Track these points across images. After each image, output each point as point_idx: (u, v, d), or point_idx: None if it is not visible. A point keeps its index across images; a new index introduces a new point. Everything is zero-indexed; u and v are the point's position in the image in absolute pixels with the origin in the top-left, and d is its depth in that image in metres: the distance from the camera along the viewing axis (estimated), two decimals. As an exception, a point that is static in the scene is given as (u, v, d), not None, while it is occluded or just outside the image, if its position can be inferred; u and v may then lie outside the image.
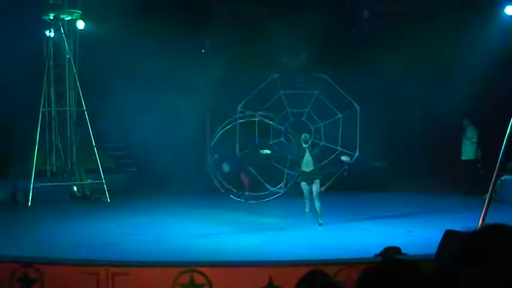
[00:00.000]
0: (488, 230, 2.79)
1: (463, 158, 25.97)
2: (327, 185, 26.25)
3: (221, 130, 25.34)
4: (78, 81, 24.04)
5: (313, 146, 21.62)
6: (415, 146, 26.71)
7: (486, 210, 17.02)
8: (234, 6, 26.45)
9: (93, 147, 24.03)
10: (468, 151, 25.74)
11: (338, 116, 26.93)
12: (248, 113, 26.48)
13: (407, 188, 26.11)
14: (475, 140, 25.55)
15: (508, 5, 23.15)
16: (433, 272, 3.49)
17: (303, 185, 20.46)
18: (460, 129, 25.85)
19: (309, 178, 20.28)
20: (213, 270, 14.27)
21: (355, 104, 26.53)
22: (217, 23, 26.83)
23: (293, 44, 27.53)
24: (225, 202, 23.87)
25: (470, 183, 25.26)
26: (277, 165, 26.53)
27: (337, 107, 26.89)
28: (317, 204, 19.69)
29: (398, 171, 27.29)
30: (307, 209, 20.14)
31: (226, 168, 26.58)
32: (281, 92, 27.00)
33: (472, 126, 25.74)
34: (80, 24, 24.47)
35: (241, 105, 26.95)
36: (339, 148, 26.77)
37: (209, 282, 13.90)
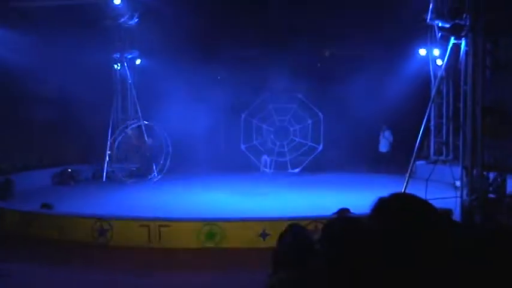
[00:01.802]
0: (395, 196, 2.59)
1: (381, 150, 26.05)
2: (301, 167, 26.71)
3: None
4: (136, 99, 24.15)
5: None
6: (358, 141, 26.58)
7: (407, 183, 17.36)
8: (237, 51, 26.45)
9: (145, 140, 24.11)
10: (385, 146, 25.87)
11: (308, 122, 27.25)
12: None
13: (353, 169, 26.17)
14: (391, 139, 25.72)
15: (420, 48, 23.15)
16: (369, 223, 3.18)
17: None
18: (380, 131, 26.06)
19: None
20: (225, 223, 14.63)
21: (320, 114, 26.86)
22: (227, 60, 26.96)
23: (278, 73, 27.60)
24: (235, 179, 23.90)
25: (385, 166, 25.36)
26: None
27: (308, 116, 27.22)
28: None
29: (348, 158, 27.28)
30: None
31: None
32: (270, 105, 27.30)
33: (389, 131, 25.85)
34: (137, 61, 24.54)
35: (244, 114, 27.33)
36: (308, 143, 27.17)
37: (223, 231, 14.27)
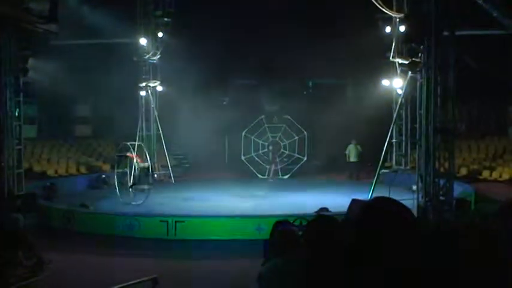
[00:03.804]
0: (377, 199, 2.51)
1: (352, 160, 25.86)
2: (289, 174, 26.73)
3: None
4: (157, 118, 24.17)
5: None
6: (337, 154, 26.62)
7: (373, 188, 17.41)
8: (239, 80, 26.52)
9: (165, 152, 24.07)
10: (355, 157, 25.78)
11: (295, 138, 27.33)
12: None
13: (331, 176, 26.18)
14: (359, 151, 25.63)
15: (384, 79, 23.13)
16: (344, 223, 3.34)
17: None
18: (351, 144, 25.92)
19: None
20: (227, 219, 14.70)
21: (305, 132, 26.95)
22: (231, 88, 27.12)
23: (271, 99, 27.73)
24: (236, 183, 23.77)
25: (356, 174, 25.30)
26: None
27: (294, 133, 27.32)
28: None
29: (327, 167, 27.30)
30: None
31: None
32: (265, 125, 27.42)
33: (358, 144, 25.72)
34: (159, 88, 24.59)
35: (244, 131, 27.39)
36: (295, 155, 27.22)
37: (225, 226, 14.35)
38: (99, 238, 14.34)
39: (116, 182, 19.82)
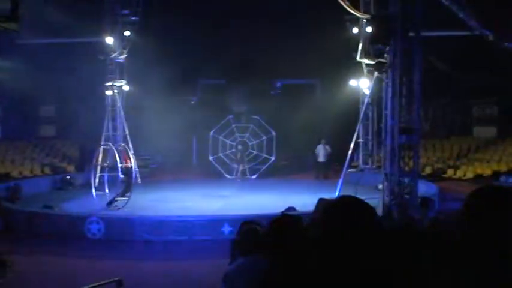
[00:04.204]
0: (341, 198, 2.50)
1: (320, 160, 25.95)
2: (257, 174, 26.76)
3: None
4: (124, 119, 23.93)
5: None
6: (305, 154, 26.75)
7: (340, 187, 17.55)
8: (207, 80, 26.44)
9: (131, 153, 23.82)
10: (323, 157, 25.88)
11: (263, 138, 27.37)
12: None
13: (299, 176, 26.33)
14: (327, 151, 25.87)
15: (351, 79, 23.35)
16: (311, 223, 3.29)
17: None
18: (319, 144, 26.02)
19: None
20: (195, 219, 14.64)
21: (272, 131, 27.01)
22: (199, 88, 27.02)
23: (239, 99, 27.73)
24: (203, 184, 23.74)
25: (324, 173, 25.45)
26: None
27: (262, 133, 27.36)
28: None
29: (295, 167, 27.44)
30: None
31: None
32: (233, 125, 27.39)
33: (326, 144, 25.84)
34: (125, 87, 24.35)
35: (212, 131, 27.32)
36: (263, 155, 27.28)
37: (192, 226, 14.28)
38: (63, 240, 14.15)
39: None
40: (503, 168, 24.56)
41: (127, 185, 18.36)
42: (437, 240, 2.66)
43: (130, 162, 19.36)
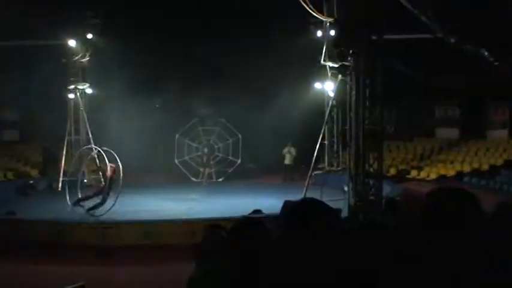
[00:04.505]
0: (303, 201, 2.55)
1: (286, 163, 26.11)
2: (223, 177, 26.72)
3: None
4: (87, 122, 23.70)
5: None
6: (272, 156, 26.79)
7: (306, 189, 17.64)
8: (172, 83, 26.25)
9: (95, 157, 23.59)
10: (290, 159, 26.04)
11: (229, 141, 27.36)
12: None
13: (266, 178, 26.38)
14: (294, 154, 25.99)
15: (316, 82, 23.52)
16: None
17: None
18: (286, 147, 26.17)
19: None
20: (160, 224, 14.53)
21: (238, 134, 27.00)
22: (164, 91, 26.81)
23: (205, 102, 27.65)
24: (169, 187, 23.56)
25: (290, 176, 25.54)
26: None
27: (228, 136, 27.35)
28: None
29: (262, 169, 27.49)
30: None
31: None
32: (199, 128, 27.32)
33: (293, 147, 26.05)
34: (88, 90, 24.15)
35: (178, 134, 27.18)
36: (229, 157, 27.25)
37: (157, 231, 14.18)
38: (25, 245, 13.87)
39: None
40: (466, 169, 25.04)
41: (100, 189, 18.00)
42: (401, 240, 2.67)
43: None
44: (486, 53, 18.78)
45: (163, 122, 26.51)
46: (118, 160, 18.13)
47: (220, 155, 27.49)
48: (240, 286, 2.60)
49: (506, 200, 3.01)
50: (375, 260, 2.59)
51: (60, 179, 22.99)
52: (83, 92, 23.87)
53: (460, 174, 24.56)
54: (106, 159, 18.20)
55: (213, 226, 4.94)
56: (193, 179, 26.50)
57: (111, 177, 17.69)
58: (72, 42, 22.47)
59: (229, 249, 2.99)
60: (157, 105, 28.89)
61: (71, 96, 23.53)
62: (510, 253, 2.35)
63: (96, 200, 17.44)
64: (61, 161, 23.42)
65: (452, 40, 18.04)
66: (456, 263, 2.18)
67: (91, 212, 16.92)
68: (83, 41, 22.90)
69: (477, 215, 2.19)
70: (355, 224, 3.36)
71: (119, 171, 17.76)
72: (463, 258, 2.16)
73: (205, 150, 27.18)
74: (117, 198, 17.03)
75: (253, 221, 3.12)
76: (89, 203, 17.40)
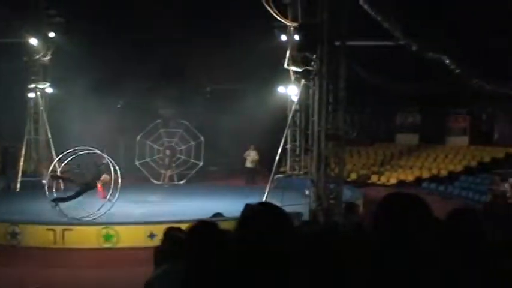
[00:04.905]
0: (262, 204, 2.53)
1: (248, 166, 26.08)
2: (185, 180, 26.57)
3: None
4: (46, 122, 23.33)
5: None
6: (235, 159, 26.81)
7: (268, 193, 17.68)
8: (133, 83, 25.92)
9: (54, 158, 23.20)
10: (251, 163, 26.00)
11: (192, 143, 27.24)
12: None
13: (229, 181, 26.39)
14: (256, 157, 25.99)
15: (280, 86, 23.63)
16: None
17: None
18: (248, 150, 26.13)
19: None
20: (120, 227, 14.38)
21: (201, 137, 26.92)
22: (126, 91, 26.49)
23: (168, 103, 27.50)
24: (130, 189, 23.26)
25: (252, 179, 25.53)
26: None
27: (191, 138, 27.24)
28: None
29: (224, 172, 27.47)
30: None
31: None
32: (161, 130, 27.12)
33: (254, 151, 26.02)
34: (48, 90, 23.77)
35: (139, 136, 26.92)
36: (192, 160, 27.14)
37: (117, 233, 14.02)
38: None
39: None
40: (426, 174, 25.54)
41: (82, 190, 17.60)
42: (359, 244, 2.72)
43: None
44: (447, 61, 19.18)
45: (125, 123, 26.23)
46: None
47: (183, 157, 27.33)
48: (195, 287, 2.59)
49: (460, 207, 3.12)
50: (333, 264, 2.68)
51: (19, 179, 22.61)
52: (43, 91, 23.48)
53: (419, 180, 25.03)
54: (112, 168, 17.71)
55: (172, 229, 4.90)
56: (154, 181, 26.29)
57: (94, 185, 17.36)
58: (33, 41, 22.09)
59: (184, 252, 2.99)
60: (118, 106, 28.59)
61: (31, 95, 23.12)
62: (458, 259, 2.43)
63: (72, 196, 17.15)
64: (20, 161, 23.00)
65: (414, 47, 18.36)
66: (396, 265, 2.22)
67: (54, 203, 16.63)
68: (44, 39, 22.51)
69: (426, 220, 2.24)
70: (316, 229, 3.44)
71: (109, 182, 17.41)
72: (404, 260, 2.20)
73: (167, 152, 26.95)
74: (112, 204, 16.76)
75: (209, 224, 3.15)
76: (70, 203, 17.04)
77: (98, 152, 18.05)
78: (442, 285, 2.14)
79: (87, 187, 17.31)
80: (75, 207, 17.00)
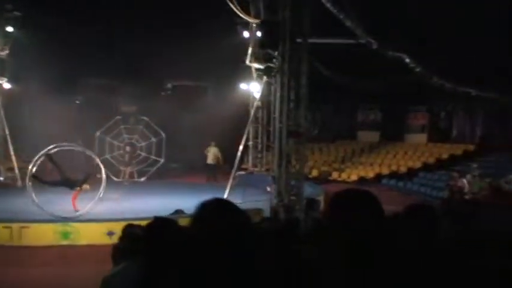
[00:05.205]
0: (210, 202, 2.55)
1: (209, 162, 25.86)
2: (146, 177, 26.37)
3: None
4: (4, 118, 22.85)
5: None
6: (196, 156, 26.71)
7: (229, 189, 17.71)
8: (93, 80, 25.67)
9: (11, 154, 22.78)
10: (212, 159, 25.92)
11: (152, 140, 27.03)
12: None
13: (191, 178, 26.28)
14: (218, 154, 25.90)
15: (242, 82, 23.67)
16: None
17: None
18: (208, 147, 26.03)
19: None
20: (78, 224, 14.22)
21: (162, 134, 26.73)
22: (85, 87, 26.21)
23: (128, 100, 27.24)
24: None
25: (213, 176, 25.34)
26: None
27: (152, 134, 27.03)
28: None
29: (186, 169, 27.36)
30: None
31: None
32: (121, 126, 26.82)
33: (215, 147, 25.94)
34: (6, 85, 23.28)
35: (98, 132, 26.54)
36: (152, 157, 26.92)
37: (75, 231, 13.85)
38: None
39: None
40: (385, 171, 25.93)
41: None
42: (319, 239, 2.75)
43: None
44: (407, 59, 19.50)
45: (85, 119, 25.85)
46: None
47: (143, 154, 27.10)
48: (151, 284, 2.60)
49: (416, 203, 3.18)
50: (292, 259, 2.70)
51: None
52: (0, 86, 22.98)
53: (379, 176, 25.39)
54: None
55: (131, 226, 4.86)
56: (114, 178, 25.94)
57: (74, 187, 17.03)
58: (-10, 35, 21.63)
59: (141, 249, 3.00)
60: (77, 102, 28.17)
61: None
62: (413, 254, 2.48)
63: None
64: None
65: (375, 46, 18.59)
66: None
67: (34, 179, 16.46)
68: (1, 34, 22.03)
69: (376, 215, 2.28)
70: (276, 225, 3.47)
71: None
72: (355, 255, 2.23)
73: (127, 148, 26.67)
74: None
75: (166, 221, 3.17)
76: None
77: (80, 148, 17.87)
78: (394, 280, 2.17)
79: (67, 184, 16.99)
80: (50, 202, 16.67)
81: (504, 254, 3.08)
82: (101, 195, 16.79)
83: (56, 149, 17.14)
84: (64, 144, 17.73)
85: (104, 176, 17.33)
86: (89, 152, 18.06)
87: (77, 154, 18.75)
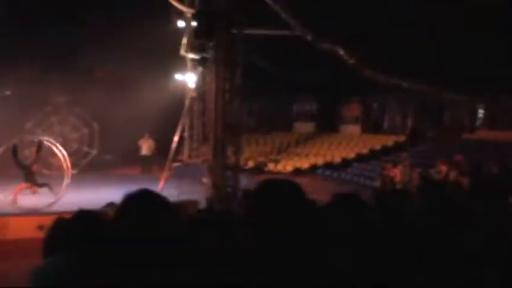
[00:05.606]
0: (141, 192, 2.55)
1: (143, 154, 25.68)
2: (78, 168, 25.80)
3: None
4: None
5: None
6: (130, 148, 26.28)
7: (165, 181, 17.60)
8: (21, 71, 24.72)
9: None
10: (147, 150, 25.54)
11: (84, 131, 26.53)
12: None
13: (123, 170, 25.85)
14: (152, 145, 25.52)
15: (177, 73, 23.50)
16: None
17: None
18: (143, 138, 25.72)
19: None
20: (5, 218, 13.93)
21: (94, 124, 26.30)
22: (15, 78, 25.27)
23: (58, 91, 26.51)
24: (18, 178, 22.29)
25: (148, 167, 25.03)
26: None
27: (83, 126, 26.51)
28: None
29: (121, 161, 26.99)
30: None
31: None
32: (53, 118, 26.17)
33: (150, 138, 25.65)
34: None
35: (29, 124, 25.77)
36: (84, 148, 26.43)
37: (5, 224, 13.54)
38: None
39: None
40: (320, 161, 26.38)
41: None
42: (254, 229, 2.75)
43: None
44: (341, 52, 19.86)
45: (14, 112, 25.00)
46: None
47: (75, 146, 26.49)
48: (73, 280, 2.66)
49: (342, 191, 3.27)
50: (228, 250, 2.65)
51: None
52: None
53: (314, 167, 25.82)
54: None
55: (61, 219, 4.77)
56: (44, 170, 25.28)
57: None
58: None
59: (70, 242, 3.05)
60: (6, 93, 27.19)
61: None
62: (338, 243, 2.57)
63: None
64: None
65: (310, 38, 18.85)
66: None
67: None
68: None
69: (299, 204, 2.36)
70: (210, 217, 3.49)
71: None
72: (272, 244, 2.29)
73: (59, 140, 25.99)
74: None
75: (89, 213, 3.19)
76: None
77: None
78: (317, 267, 2.25)
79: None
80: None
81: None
82: (68, 182, 17.10)
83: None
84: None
85: (68, 164, 17.01)
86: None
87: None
